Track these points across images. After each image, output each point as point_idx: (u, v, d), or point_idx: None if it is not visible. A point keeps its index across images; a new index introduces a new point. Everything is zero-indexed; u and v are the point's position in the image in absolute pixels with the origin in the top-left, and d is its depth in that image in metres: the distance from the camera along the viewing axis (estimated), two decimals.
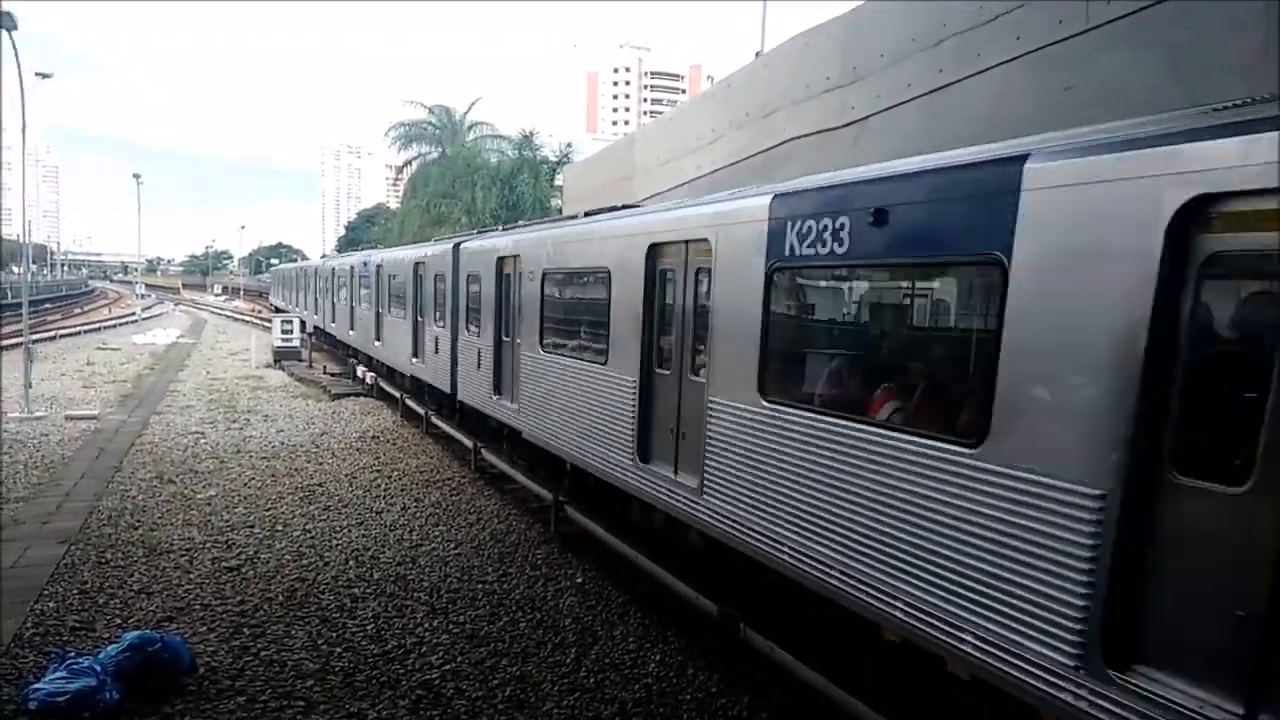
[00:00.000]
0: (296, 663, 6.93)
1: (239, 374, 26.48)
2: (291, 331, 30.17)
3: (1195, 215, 3.93)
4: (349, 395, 21.82)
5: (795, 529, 6.28)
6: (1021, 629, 4.55)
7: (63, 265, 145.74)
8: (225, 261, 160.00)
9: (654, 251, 8.57)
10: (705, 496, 7.39)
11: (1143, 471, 4.08)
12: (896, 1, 14.63)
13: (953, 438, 5.04)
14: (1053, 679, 4.38)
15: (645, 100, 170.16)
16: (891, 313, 6.50)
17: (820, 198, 6.26)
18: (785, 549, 6.39)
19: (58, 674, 6.10)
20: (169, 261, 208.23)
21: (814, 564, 6.10)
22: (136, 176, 56.29)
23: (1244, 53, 7.71)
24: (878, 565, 5.52)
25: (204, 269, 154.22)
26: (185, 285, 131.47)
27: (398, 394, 19.56)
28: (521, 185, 46.22)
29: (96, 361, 28.71)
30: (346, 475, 13.35)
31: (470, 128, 54.75)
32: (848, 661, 6.15)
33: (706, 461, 7.35)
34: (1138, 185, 4.13)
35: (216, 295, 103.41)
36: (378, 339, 22.57)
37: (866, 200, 5.72)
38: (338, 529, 10.54)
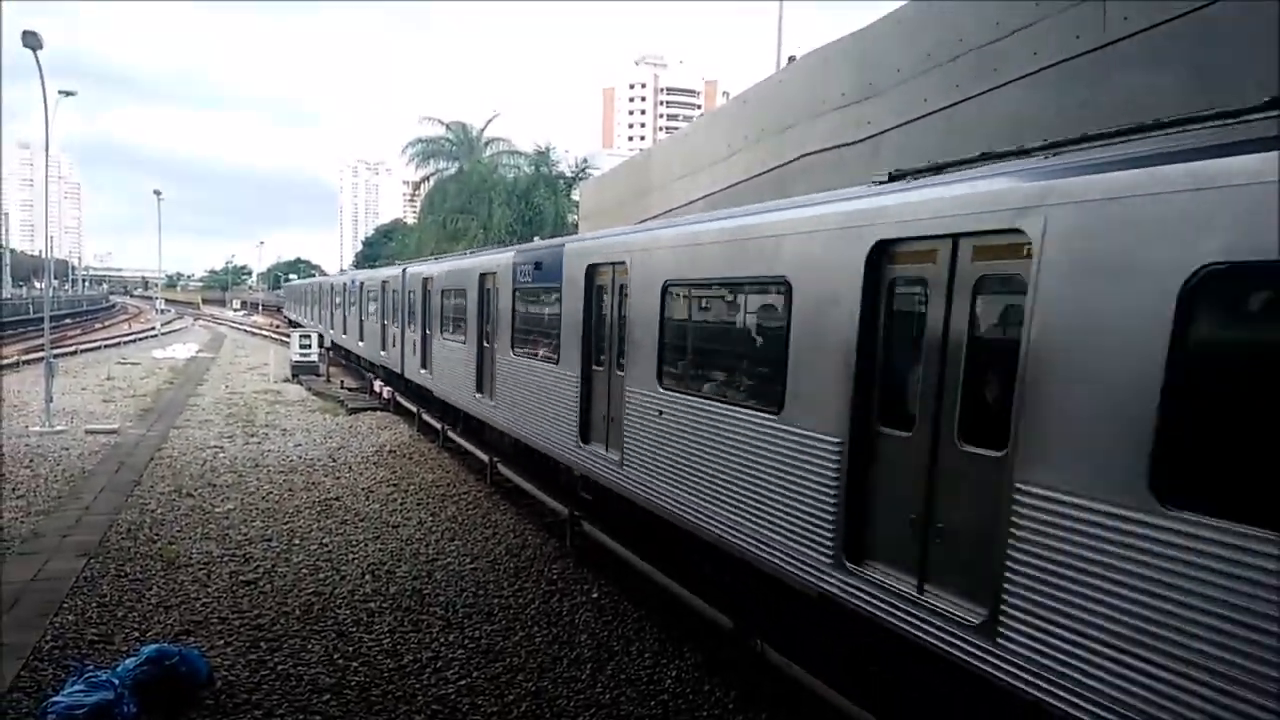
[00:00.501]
0: (313, 677, 6.94)
1: (257, 388, 26.64)
2: (310, 346, 30.35)
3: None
4: (366, 410, 21.92)
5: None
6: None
7: (84, 280, 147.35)
8: (244, 277, 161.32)
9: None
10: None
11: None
12: (913, 17, 14.62)
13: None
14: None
15: (661, 116, 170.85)
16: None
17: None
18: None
19: (76, 687, 6.13)
20: (189, 277, 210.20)
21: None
22: (157, 193, 56.88)
23: (1265, 65, 7.67)
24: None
25: (223, 284, 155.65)
26: (205, 300, 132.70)
27: (414, 408, 19.63)
28: (539, 200, 46.46)
29: (116, 376, 28.96)
30: (363, 489, 13.39)
31: (487, 144, 55.09)
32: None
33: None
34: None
35: (235, 310, 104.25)
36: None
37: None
38: (354, 543, 10.57)
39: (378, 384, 24.60)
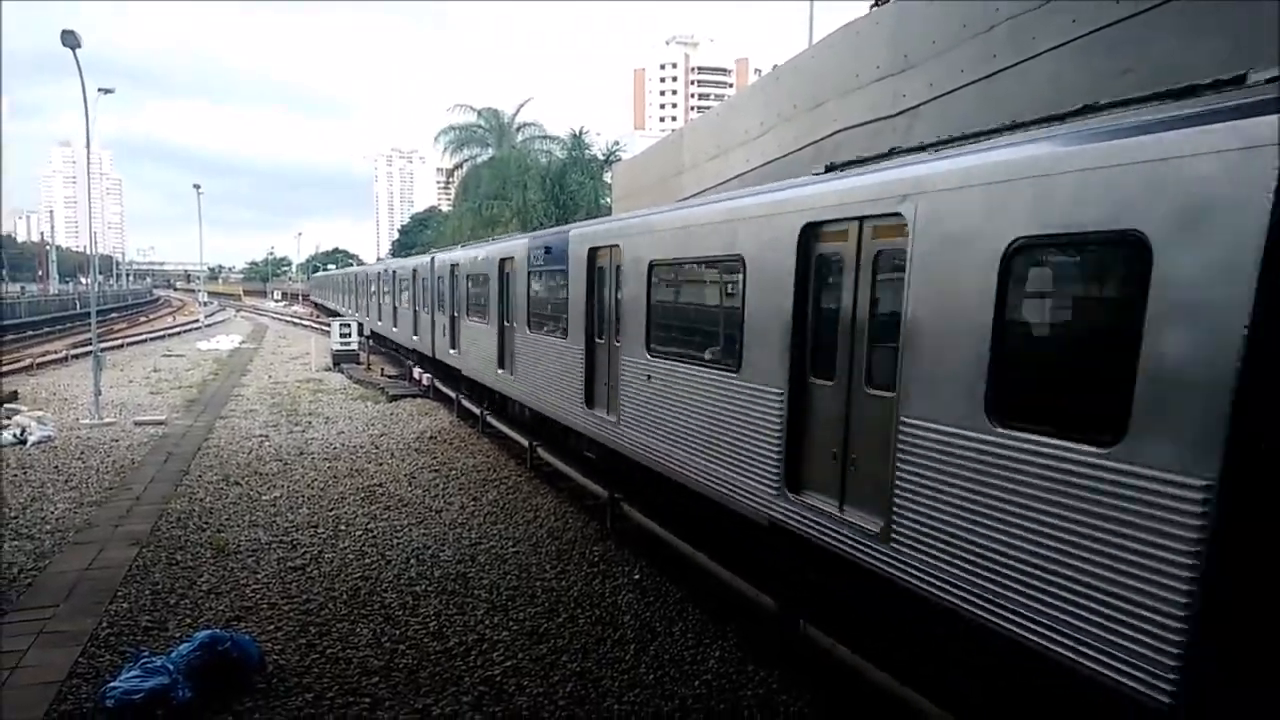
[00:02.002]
0: (362, 660, 7.06)
1: (300, 377, 27.03)
2: (349, 335, 30.74)
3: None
4: (406, 396, 22.16)
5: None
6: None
7: (128, 275, 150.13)
8: (284, 268, 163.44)
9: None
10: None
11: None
12: None
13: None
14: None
15: (693, 95, 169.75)
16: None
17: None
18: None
19: (132, 673, 6.29)
20: (230, 269, 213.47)
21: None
22: (197, 187, 57.59)
23: None
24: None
25: (264, 275, 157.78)
26: (246, 292, 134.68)
27: (453, 394, 19.81)
28: (573, 184, 46.45)
29: (163, 368, 29.54)
30: (406, 475, 13.56)
31: (519, 129, 55.15)
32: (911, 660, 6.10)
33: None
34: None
35: (276, 301, 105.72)
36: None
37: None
38: (398, 528, 10.72)
39: (417, 370, 24.85)
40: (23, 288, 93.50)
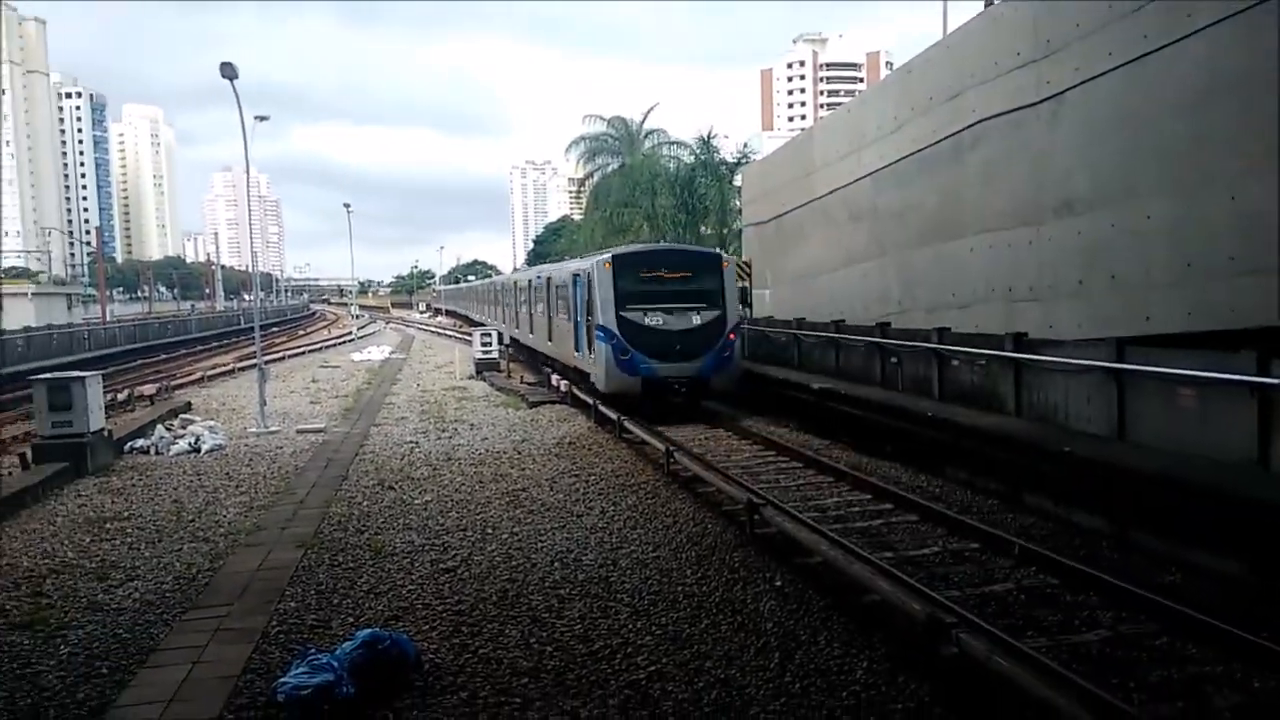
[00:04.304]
0: (512, 660, 7.25)
1: (445, 385, 28.09)
2: (490, 344, 31.73)
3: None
4: (545, 403, 22.69)
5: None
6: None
7: (286, 291, 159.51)
8: (429, 281, 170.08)
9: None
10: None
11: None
12: None
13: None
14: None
15: (822, 93, 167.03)
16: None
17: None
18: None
19: (300, 669, 6.62)
20: (378, 283, 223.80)
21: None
22: (347, 206, 60.47)
23: None
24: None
25: (409, 288, 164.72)
26: (394, 305, 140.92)
27: (591, 400, 20.15)
28: (701, 188, 46.40)
29: (320, 379, 31.25)
30: (547, 480, 13.87)
31: (646, 135, 55.61)
32: None
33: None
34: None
35: (421, 313, 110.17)
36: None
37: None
38: (542, 532, 10.96)
39: (555, 377, 25.41)
40: (192, 305, 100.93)
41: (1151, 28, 12.39)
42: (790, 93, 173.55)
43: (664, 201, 48.00)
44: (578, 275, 21.92)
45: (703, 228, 48.43)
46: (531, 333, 31.63)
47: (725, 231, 47.52)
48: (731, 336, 20.06)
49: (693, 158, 49.48)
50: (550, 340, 27.19)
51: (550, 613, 8.27)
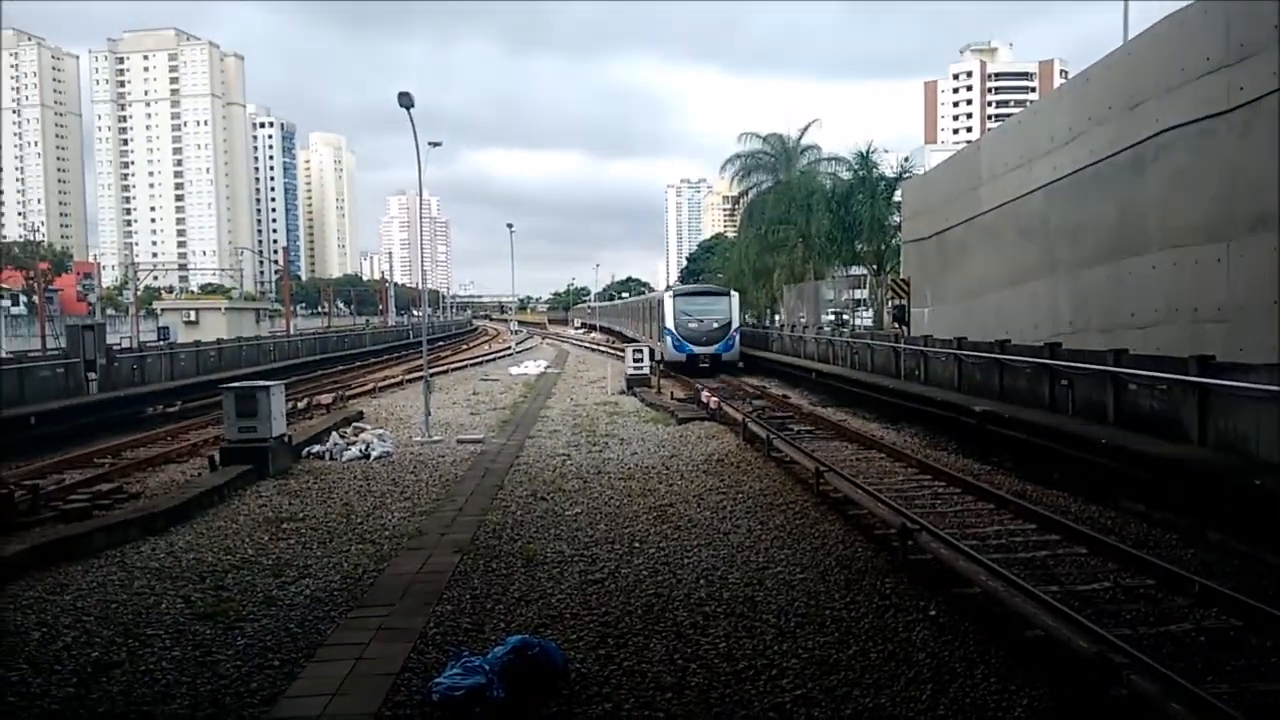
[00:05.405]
0: (656, 674, 7.29)
1: (597, 400, 28.67)
2: (643, 360, 32.15)
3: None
4: (694, 420, 22.76)
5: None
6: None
7: (451, 307, 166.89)
8: (584, 298, 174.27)
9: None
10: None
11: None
12: None
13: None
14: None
15: (990, 104, 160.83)
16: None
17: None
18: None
19: (454, 670, 6.88)
20: (537, 299, 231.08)
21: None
22: (509, 225, 62.95)
23: None
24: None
25: (565, 304, 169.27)
26: (550, 320, 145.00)
27: (740, 417, 20.05)
28: (856, 206, 45.47)
29: (480, 391, 32.50)
30: (694, 496, 13.90)
31: (803, 152, 55.05)
32: None
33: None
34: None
35: (576, 329, 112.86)
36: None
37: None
38: (688, 548, 10.99)
39: (705, 394, 25.46)
40: (367, 320, 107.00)
41: None
42: (956, 104, 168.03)
43: (820, 218, 47.41)
44: (661, 300, 42.94)
45: (859, 245, 47.47)
46: (640, 332, 54.04)
47: (883, 249, 46.39)
48: (734, 334, 39.02)
49: (850, 174, 48.61)
50: (644, 335, 49.77)
51: (695, 629, 8.28)
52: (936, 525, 11.17)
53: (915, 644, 7.82)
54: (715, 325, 38.63)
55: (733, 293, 41.40)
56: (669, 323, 39.14)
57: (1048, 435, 14.75)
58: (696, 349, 38.16)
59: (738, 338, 39.37)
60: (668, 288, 66.83)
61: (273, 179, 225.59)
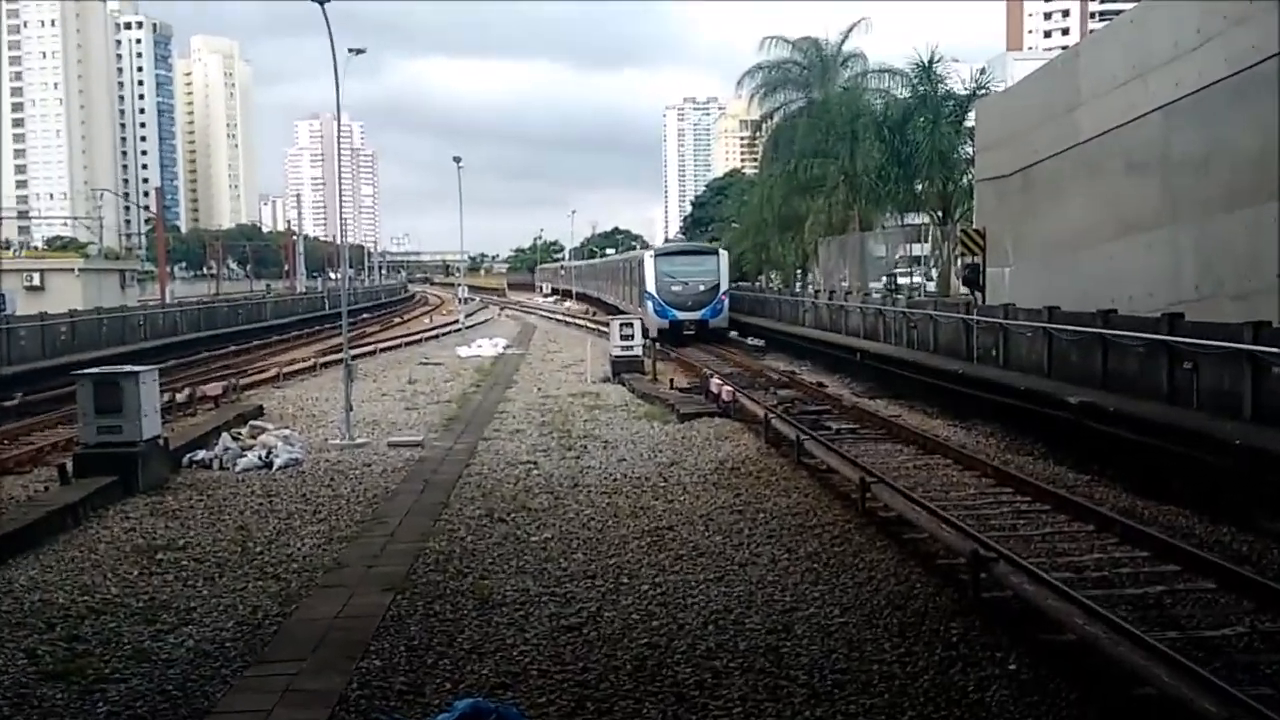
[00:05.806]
0: None
1: (573, 390, 28.76)
2: (632, 338, 31.93)
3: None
4: (701, 415, 22.79)
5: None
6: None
7: (380, 268, 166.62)
8: (557, 255, 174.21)
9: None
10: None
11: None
12: None
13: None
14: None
15: (1093, 1, 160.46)
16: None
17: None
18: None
19: None
20: (493, 258, 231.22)
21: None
22: (457, 160, 61.94)
23: None
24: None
25: (531, 264, 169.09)
26: (512, 285, 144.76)
27: (762, 412, 20.11)
28: (916, 133, 44.77)
29: (419, 379, 32.53)
30: (701, 516, 13.96)
31: (845, 63, 54.81)
32: None
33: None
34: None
35: (545, 296, 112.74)
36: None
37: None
38: (693, 584, 11.04)
39: (715, 382, 25.48)
40: (268, 286, 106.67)
41: None
42: (1049, 1, 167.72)
43: (868, 150, 46.74)
44: (642, 260, 48.95)
45: (919, 184, 47.00)
46: (619, 297, 62.66)
47: (951, 190, 45.94)
48: (723, 298, 44.81)
49: (909, 91, 48.12)
50: (623, 300, 58.14)
51: (702, 690, 8.30)
52: (1018, 553, 11.23)
53: (990, 708, 7.87)
54: (701, 288, 44.08)
55: (721, 251, 48.03)
56: (650, 286, 44.94)
57: (1165, 434, 14.81)
58: (681, 315, 43.77)
59: (726, 301, 45.27)
60: (667, 241, 74.64)
61: (142, 99, 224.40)
